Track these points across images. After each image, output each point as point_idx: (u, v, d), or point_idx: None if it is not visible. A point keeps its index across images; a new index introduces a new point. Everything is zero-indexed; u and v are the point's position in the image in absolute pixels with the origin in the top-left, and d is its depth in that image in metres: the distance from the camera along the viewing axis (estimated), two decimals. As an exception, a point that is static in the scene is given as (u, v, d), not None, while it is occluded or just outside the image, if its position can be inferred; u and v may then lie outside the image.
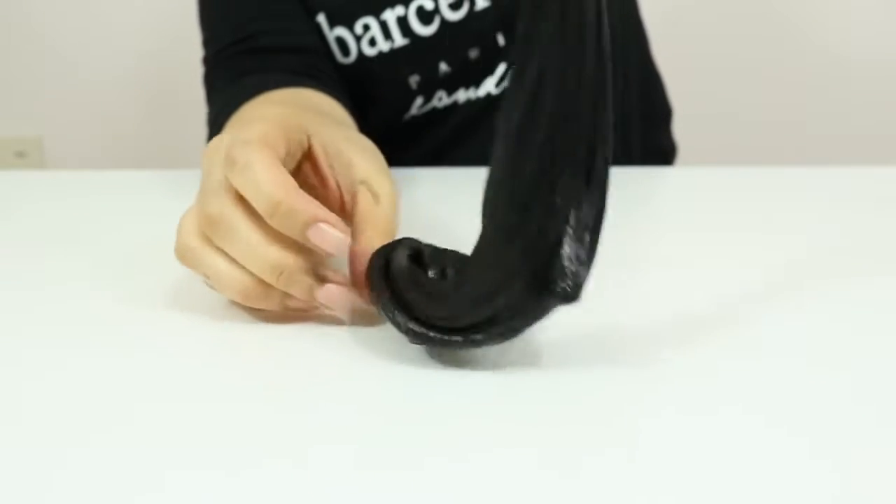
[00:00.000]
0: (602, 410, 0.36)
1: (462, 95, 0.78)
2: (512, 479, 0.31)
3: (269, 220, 0.39)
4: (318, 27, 0.76)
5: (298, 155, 0.45)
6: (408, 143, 0.81)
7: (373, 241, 0.42)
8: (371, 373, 0.39)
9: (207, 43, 0.77)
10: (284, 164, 0.42)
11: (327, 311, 0.42)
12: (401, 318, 0.38)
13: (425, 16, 0.75)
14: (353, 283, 0.42)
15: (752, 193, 0.67)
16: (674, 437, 0.33)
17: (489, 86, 0.78)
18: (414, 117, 0.79)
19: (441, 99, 0.78)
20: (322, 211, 0.39)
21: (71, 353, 0.41)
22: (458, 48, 0.76)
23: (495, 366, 0.39)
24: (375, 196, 0.44)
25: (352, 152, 0.46)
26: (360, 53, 0.76)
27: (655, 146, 0.92)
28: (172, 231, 0.43)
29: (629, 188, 0.71)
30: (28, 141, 1.64)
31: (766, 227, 0.59)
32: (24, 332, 0.44)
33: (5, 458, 0.33)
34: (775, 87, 1.44)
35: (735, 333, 0.42)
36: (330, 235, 0.39)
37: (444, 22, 0.75)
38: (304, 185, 0.45)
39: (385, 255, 0.41)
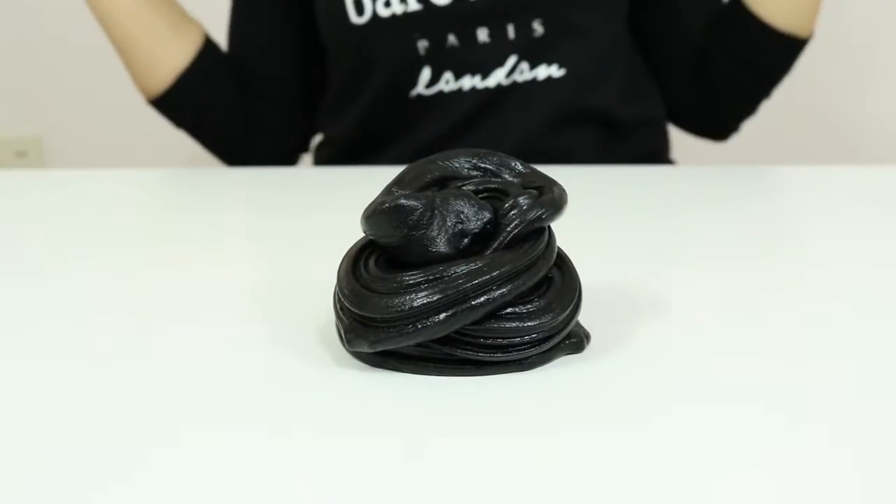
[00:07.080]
0: (601, 408, 0.36)
1: (468, 82, 0.81)
2: (509, 478, 0.31)
3: None
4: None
5: None
6: (409, 127, 0.83)
7: None
8: (369, 372, 0.39)
9: None
10: None
11: None
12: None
13: None
14: None
15: (752, 193, 0.67)
16: (674, 436, 0.33)
17: (499, 76, 0.80)
18: (420, 97, 0.82)
19: (448, 82, 0.81)
20: None
21: (71, 353, 0.41)
22: (468, 24, 0.80)
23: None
24: None
25: None
26: (375, 13, 0.80)
27: None
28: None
29: (630, 187, 0.71)
30: (28, 141, 1.64)
31: (766, 226, 0.59)
32: (25, 332, 0.44)
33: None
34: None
35: (735, 331, 0.42)
36: None
37: None
38: None
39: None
